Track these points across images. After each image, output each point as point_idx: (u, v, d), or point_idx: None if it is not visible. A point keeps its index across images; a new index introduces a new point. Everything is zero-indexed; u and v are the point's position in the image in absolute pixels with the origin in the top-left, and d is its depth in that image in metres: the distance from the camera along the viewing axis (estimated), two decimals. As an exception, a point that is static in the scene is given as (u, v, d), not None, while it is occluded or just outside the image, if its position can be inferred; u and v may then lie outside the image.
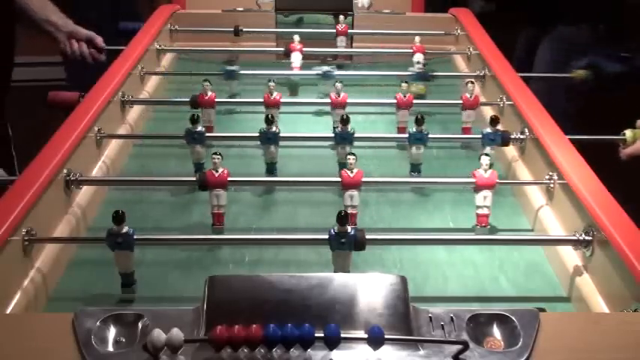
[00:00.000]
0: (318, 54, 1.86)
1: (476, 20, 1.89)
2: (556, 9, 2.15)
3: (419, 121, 1.28)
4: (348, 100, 1.44)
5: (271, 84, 1.46)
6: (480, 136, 1.31)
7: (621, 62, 1.85)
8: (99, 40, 1.92)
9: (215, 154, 1.12)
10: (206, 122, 1.41)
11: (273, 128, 1.28)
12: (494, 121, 1.29)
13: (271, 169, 1.31)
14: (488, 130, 1.30)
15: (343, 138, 1.29)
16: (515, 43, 2.31)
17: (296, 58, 1.72)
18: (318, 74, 1.65)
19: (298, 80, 1.72)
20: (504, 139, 1.30)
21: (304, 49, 1.75)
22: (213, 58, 1.91)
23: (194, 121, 1.28)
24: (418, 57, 1.75)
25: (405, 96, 1.45)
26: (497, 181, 1.14)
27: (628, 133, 1.38)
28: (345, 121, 1.28)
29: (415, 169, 1.32)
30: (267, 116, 1.28)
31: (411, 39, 1.81)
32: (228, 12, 2.00)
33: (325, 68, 1.64)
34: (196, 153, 1.30)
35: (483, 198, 1.14)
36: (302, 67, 1.72)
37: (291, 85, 1.70)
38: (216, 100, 1.46)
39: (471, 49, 1.79)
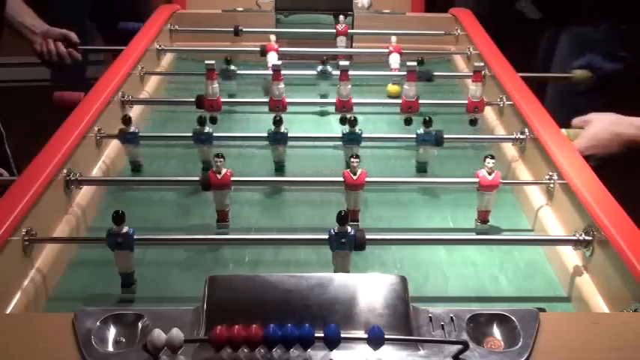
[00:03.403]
0: (317, 54, 1.85)
1: (476, 20, 1.89)
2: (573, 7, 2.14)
3: (427, 123, 1.29)
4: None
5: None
6: (414, 136, 1.32)
7: (620, 61, 1.84)
8: (73, 36, 1.91)
9: (217, 155, 1.12)
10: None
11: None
12: (427, 122, 1.30)
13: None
14: (421, 130, 1.30)
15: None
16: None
17: (272, 58, 1.72)
18: (316, 73, 1.65)
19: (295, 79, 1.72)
20: (438, 140, 1.30)
21: (280, 48, 1.76)
22: (213, 58, 1.91)
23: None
24: (394, 57, 1.75)
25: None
26: (500, 181, 1.14)
27: (563, 132, 1.34)
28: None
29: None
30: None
31: (412, 39, 1.81)
32: (228, 12, 2.00)
33: (322, 67, 1.64)
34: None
35: (486, 199, 1.14)
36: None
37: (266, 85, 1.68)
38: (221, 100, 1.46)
39: (470, 49, 1.79)
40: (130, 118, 1.31)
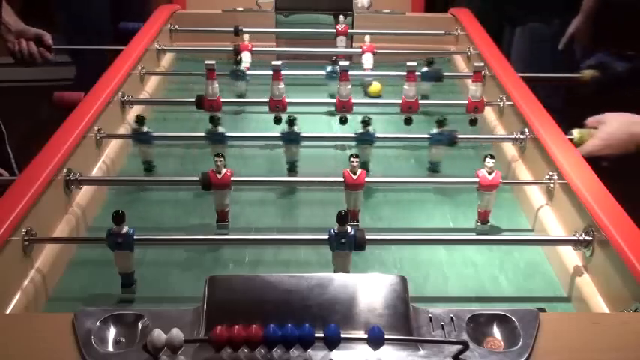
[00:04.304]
0: (316, 54, 1.85)
1: (476, 20, 1.89)
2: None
3: (440, 123, 1.30)
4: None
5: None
6: (427, 136, 1.32)
7: (628, 61, 1.84)
8: (47, 38, 1.91)
9: (217, 155, 1.12)
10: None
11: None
12: (440, 122, 1.31)
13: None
14: (435, 130, 1.31)
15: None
16: None
17: (246, 57, 1.73)
18: (324, 73, 1.65)
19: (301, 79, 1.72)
20: (451, 140, 1.31)
21: (253, 48, 1.78)
22: (213, 58, 1.91)
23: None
24: (367, 57, 1.75)
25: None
26: (500, 181, 1.14)
27: (575, 133, 1.35)
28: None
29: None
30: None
31: (412, 39, 1.81)
32: (228, 12, 1.99)
33: (330, 68, 1.64)
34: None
35: (486, 199, 1.15)
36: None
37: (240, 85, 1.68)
38: (222, 100, 1.46)
39: (470, 49, 1.79)
40: (143, 118, 1.31)
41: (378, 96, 1.68)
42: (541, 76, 1.84)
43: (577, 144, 1.33)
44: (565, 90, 2.15)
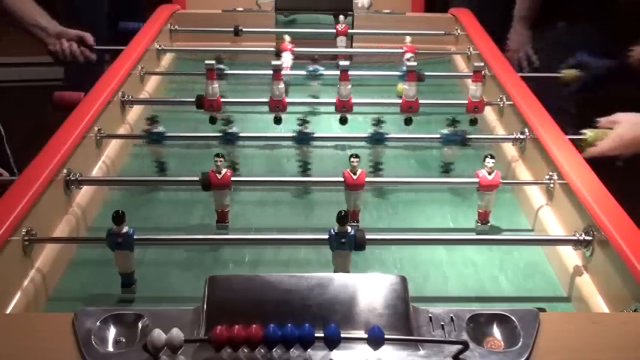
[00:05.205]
0: (315, 54, 1.85)
1: (476, 20, 1.89)
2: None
3: (453, 123, 1.30)
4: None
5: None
6: (438, 136, 1.32)
7: (608, 59, 1.84)
8: (88, 37, 1.93)
9: (217, 155, 1.12)
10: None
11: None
12: (453, 122, 1.31)
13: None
14: (447, 130, 1.31)
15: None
16: None
17: (287, 58, 1.72)
18: (305, 74, 1.64)
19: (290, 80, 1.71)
20: (463, 140, 1.31)
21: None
22: (213, 58, 1.91)
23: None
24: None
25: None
26: (500, 181, 1.14)
27: (589, 133, 1.34)
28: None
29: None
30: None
31: (412, 39, 1.80)
32: (228, 12, 2.00)
33: (311, 68, 1.62)
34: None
35: (486, 199, 1.15)
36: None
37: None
38: (222, 100, 1.46)
39: (470, 49, 1.79)
40: (156, 118, 1.30)
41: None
42: (523, 76, 1.84)
43: (590, 144, 1.33)
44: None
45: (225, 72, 1.62)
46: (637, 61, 1.73)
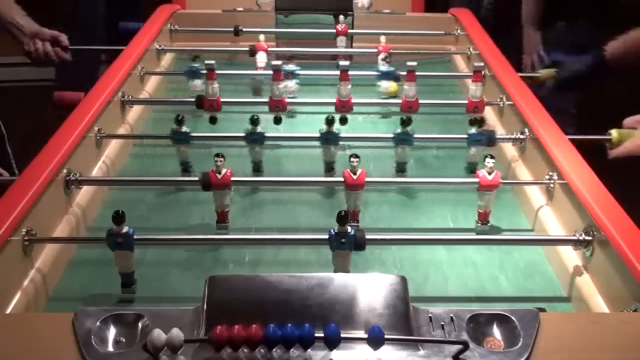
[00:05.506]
0: (292, 53, 1.85)
1: (476, 20, 1.90)
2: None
3: (479, 122, 1.30)
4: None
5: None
6: (465, 136, 1.32)
7: (583, 56, 1.84)
8: (63, 38, 1.92)
9: (217, 155, 1.11)
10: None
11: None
12: (480, 122, 1.31)
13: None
14: (474, 130, 1.31)
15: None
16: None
17: (261, 57, 1.73)
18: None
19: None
20: (490, 139, 1.31)
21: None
22: (213, 58, 1.91)
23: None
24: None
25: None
26: (500, 181, 1.14)
27: (614, 133, 1.34)
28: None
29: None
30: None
31: (412, 39, 1.81)
32: (228, 12, 2.00)
33: (288, 67, 1.60)
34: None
35: (486, 199, 1.15)
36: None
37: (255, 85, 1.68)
38: (222, 100, 1.46)
39: (470, 49, 1.79)
40: (182, 117, 1.29)
41: (394, 96, 1.65)
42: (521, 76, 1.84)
43: (616, 144, 1.33)
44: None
45: (201, 71, 1.59)
46: (611, 55, 1.73)
